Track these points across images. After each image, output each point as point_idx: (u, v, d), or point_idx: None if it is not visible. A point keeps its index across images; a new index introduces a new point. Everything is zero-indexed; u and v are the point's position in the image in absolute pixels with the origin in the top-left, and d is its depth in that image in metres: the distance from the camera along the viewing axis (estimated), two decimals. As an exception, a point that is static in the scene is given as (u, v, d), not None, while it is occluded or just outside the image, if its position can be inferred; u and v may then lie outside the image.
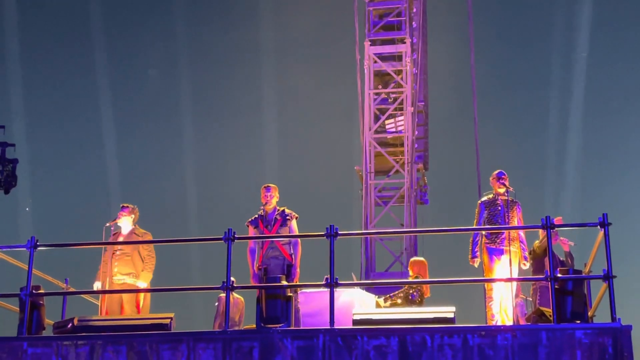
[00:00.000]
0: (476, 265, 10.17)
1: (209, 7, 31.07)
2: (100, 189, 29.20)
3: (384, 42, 19.09)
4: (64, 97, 31.21)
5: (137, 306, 10.34)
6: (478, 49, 19.76)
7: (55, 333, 8.69)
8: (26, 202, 28.11)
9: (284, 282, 8.54)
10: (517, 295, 10.48)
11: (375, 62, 18.87)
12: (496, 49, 28.76)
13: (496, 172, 10.46)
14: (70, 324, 8.56)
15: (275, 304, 8.24)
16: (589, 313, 8.19)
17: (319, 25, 26.79)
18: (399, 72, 18.82)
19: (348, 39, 19.94)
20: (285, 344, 7.90)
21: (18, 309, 8.84)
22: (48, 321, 9.13)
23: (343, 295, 9.99)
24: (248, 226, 9.99)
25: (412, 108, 18.66)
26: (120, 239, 10.48)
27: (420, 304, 10.87)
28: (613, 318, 7.60)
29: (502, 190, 10.29)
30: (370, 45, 18.90)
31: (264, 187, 10.06)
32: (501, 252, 10.07)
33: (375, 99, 18.93)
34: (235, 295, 12.52)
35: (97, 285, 10.32)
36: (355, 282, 11.63)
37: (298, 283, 9.48)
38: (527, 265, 10.30)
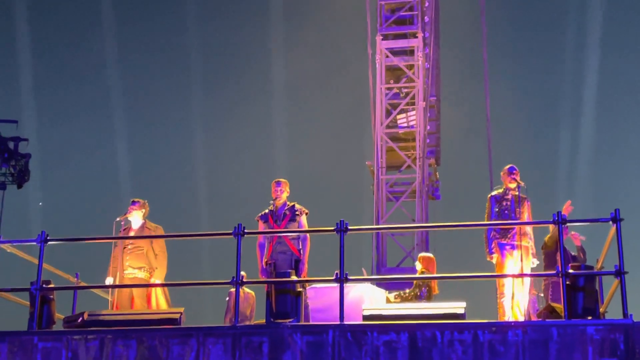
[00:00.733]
0: (494, 261, 10.13)
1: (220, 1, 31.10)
2: (111, 183, 29.29)
3: (396, 37, 19.04)
4: (75, 92, 31.31)
5: (148, 301, 10.34)
6: (490, 43, 19.67)
7: (65, 327, 8.71)
8: (38, 196, 28.22)
9: (294, 277, 8.53)
10: (529, 291, 10.43)
11: (387, 56, 18.82)
12: (509, 42, 28.64)
13: (507, 166, 10.40)
14: (81, 319, 8.58)
15: (284, 299, 8.23)
16: (601, 309, 8.14)
17: (330, 20, 26.74)
18: (410, 67, 18.77)
19: (360, 33, 19.90)
20: (294, 339, 7.88)
21: (28, 303, 8.86)
22: (58, 315, 9.15)
23: (353, 291, 9.98)
24: (258, 221, 9.97)
25: (424, 103, 18.61)
26: (132, 234, 10.48)
27: (428, 300, 10.85)
28: (625, 314, 7.54)
29: (512, 185, 10.24)
30: (382, 39, 18.85)
31: (275, 182, 10.04)
32: (513, 247, 10.02)
33: (386, 94, 18.88)
34: (246, 289, 12.56)
35: (109, 281, 10.33)
36: (365, 277, 11.60)
37: (305, 278, 9.45)
38: (535, 264, 10.25)
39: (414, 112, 18.73)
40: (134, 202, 10.62)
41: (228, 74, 31.21)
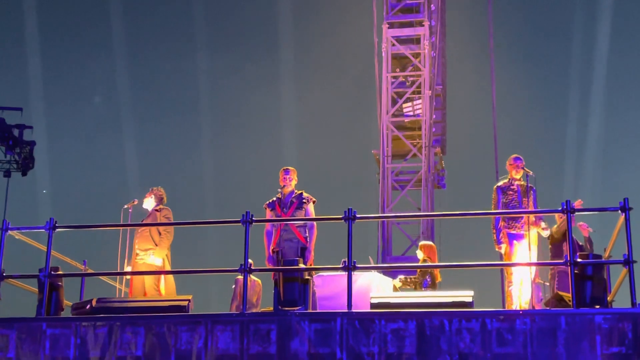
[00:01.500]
0: (502, 251, 10.12)
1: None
2: (119, 171, 29.33)
3: (402, 25, 19.01)
4: (81, 80, 31.30)
5: (158, 285, 10.38)
6: (497, 32, 19.62)
7: (73, 314, 8.73)
8: (44, 184, 28.27)
9: (302, 265, 8.53)
10: (533, 280, 10.43)
11: (393, 45, 18.79)
12: (516, 31, 28.55)
13: (512, 156, 10.37)
14: (89, 305, 8.59)
15: (292, 287, 8.23)
16: (608, 298, 8.13)
17: (337, 8, 26.68)
18: (417, 55, 18.74)
19: (366, 22, 19.86)
20: (302, 326, 7.89)
21: (37, 290, 8.88)
22: (66, 302, 9.17)
23: (360, 279, 9.99)
24: (265, 208, 9.97)
25: (430, 91, 18.59)
26: (144, 221, 10.59)
27: (432, 288, 10.86)
28: (633, 303, 7.53)
29: (518, 175, 10.21)
30: (388, 28, 18.81)
31: (283, 169, 10.03)
32: (521, 237, 10.02)
33: (392, 83, 18.87)
34: (252, 277, 12.56)
35: (129, 269, 10.41)
36: (373, 265, 11.61)
37: (313, 266, 9.46)
38: (545, 231, 10.29)
39: (419, 101, 18.72)
40: (149, 190, 10.79)
41: (236, 63, 31.19)
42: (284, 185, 9.92)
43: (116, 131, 30.19)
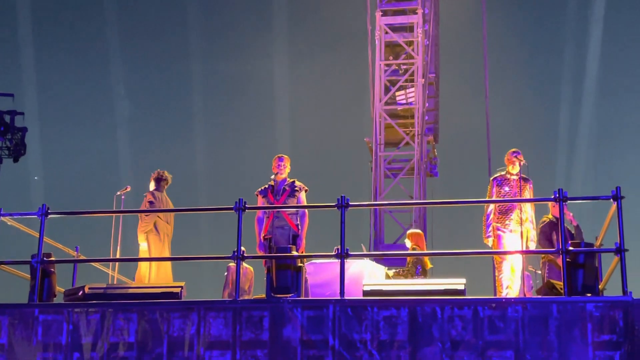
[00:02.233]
0: (489, 244, 10.11)
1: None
2: (111, 157, 29.26)
3: (396, 13, 18.99)
4: (73, 65, 31.17)
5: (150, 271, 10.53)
6: (490, 20, 19.61)
7: (66, 300, 8.73)
8: (36, 170, 28.18)
9: (295, 253, 8.54)
10: (523, 271, 10.43)
11: (387, 33, 18.77)
12: (510, 19, 28.53)
13: (511, 150, 10.29)
14: (81, 292, 8.59)
15: (285, 274, 8.25)
16: (600, 286, 8.17)
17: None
18: (410, 44, 18.72)
19: (359, 9, 19.80)
20: (295, 313, 7.91)
21: (29, 276, 8.87)
22: (59, 289, 9.17)
23: (353, 266, 10.00)
24: (257, 196, 9.96)
25: (423, 80, 18.58)
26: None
27: (425, 276, 10.88)
28: (624, 291, 7.57)
29: (515, 170, 10.15)
30: (382, 15, 18.78)
31: (277, 157, 10.02)
32: (510, 233, 9.98)
33: (385, 70, 18.85)
34: (244, 264, 12.56)
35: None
36: (365, 253, 11.63)
37: (305, 253, 9.47)
38: (533, 246, 10.25)
39: (412, 89, 18.71)
40: None
41: (229, 50, 31.11)
42: (277, 173, 9.91)
43: (109, 117, 30.12)
